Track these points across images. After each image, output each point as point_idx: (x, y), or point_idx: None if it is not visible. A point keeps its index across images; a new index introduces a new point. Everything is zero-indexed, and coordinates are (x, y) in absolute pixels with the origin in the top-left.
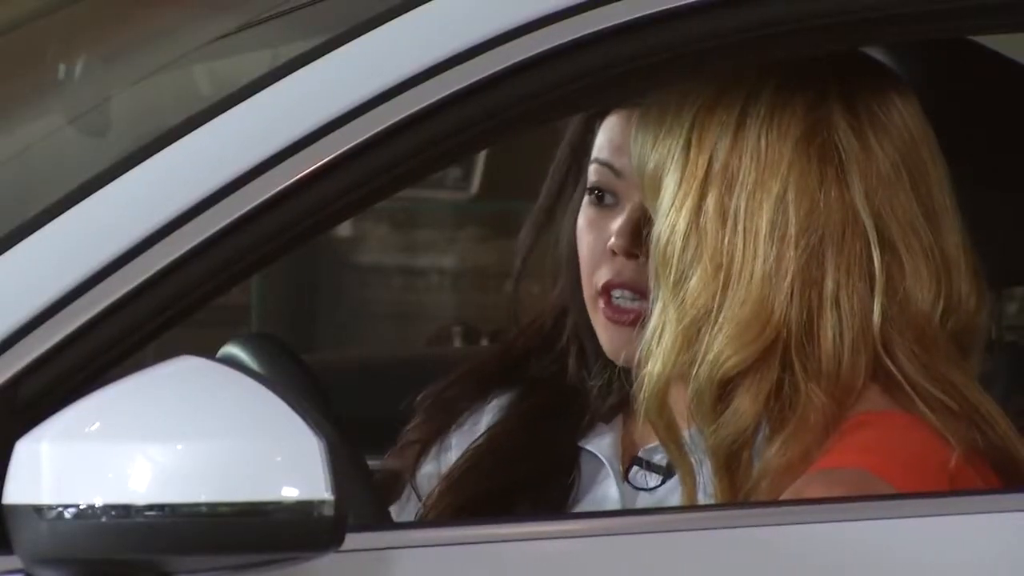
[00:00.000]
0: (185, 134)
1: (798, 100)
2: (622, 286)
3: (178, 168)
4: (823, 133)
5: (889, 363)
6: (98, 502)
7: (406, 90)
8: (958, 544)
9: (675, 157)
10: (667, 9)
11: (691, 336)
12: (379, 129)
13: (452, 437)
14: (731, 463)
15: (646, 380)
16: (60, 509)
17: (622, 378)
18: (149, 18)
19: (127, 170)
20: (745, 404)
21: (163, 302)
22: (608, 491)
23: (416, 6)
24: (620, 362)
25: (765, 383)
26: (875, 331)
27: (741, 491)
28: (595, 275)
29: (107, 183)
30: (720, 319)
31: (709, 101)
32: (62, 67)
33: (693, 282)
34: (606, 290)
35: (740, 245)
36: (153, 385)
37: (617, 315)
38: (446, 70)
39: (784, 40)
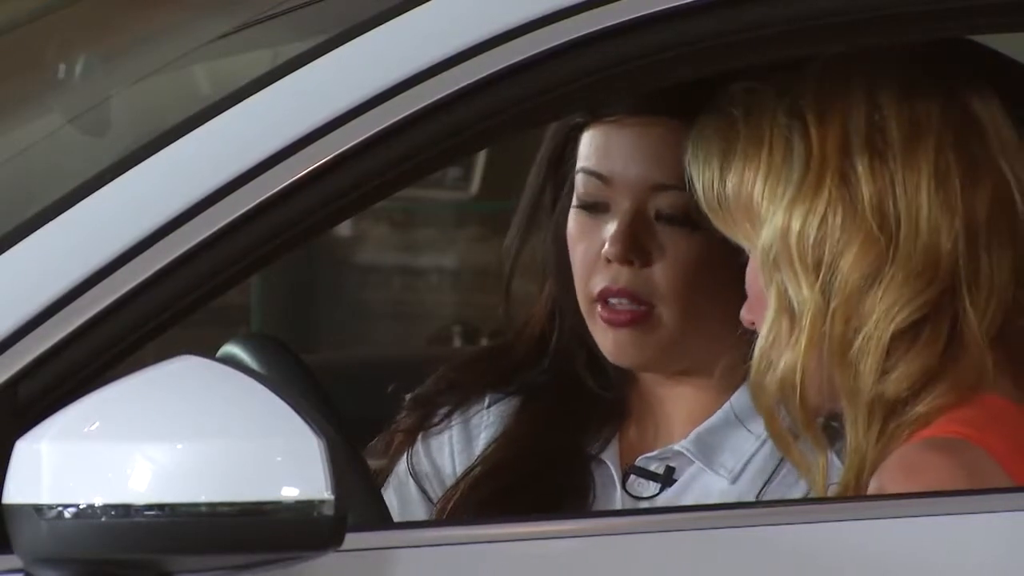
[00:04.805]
0: (185, 134)
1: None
2: (619, 293)
3: (178, 168)
4: (960, 99)
5: None
6: (98, 502)
7: (406, 90)
8: (960, 544)
9: (781, 154)
10: (667, 9)
11: (848, 312)
12: (379, 129)
13: (444, 435)
14: (888, 417)
15: (779, 372)
16: (60, 509)
17: (618, 382)
18: (149, 18)
19: (127, 170)
20: (920, 356)
21: (163, 302)
22: (610, 500)
23: (416, 6)
24: (624, 364)
25: (939, 331)
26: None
27: (879, 446)
28: (590, 283)
29: (107, 183)
30: (885, 278)
31: (812, 83)
32: (62, 67)
33: (847, 256)
34: (602, 297)
35: (904, 203)
36: (153, 385)
37: (615, 316)
38: (446, 70)
39: (783, 40)
